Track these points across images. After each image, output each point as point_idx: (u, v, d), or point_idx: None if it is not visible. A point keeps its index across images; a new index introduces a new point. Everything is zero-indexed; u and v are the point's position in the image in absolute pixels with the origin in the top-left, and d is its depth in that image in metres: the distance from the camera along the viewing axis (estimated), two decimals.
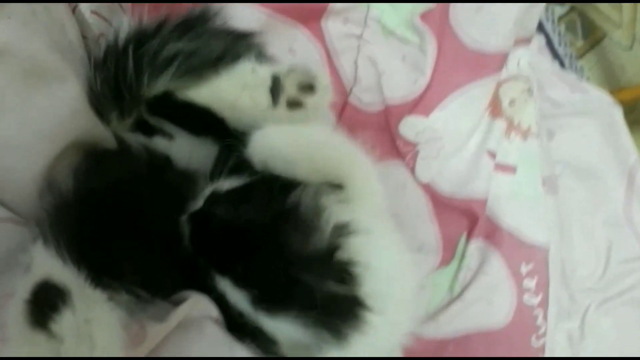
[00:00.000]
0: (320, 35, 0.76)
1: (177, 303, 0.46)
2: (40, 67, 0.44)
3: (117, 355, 0.38)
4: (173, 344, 0.43)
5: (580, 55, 1.73)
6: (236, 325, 0.47)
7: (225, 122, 0.54)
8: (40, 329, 0.35)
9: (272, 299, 0.44)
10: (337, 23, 0.76)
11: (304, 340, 0.46)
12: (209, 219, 0.46)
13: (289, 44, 0.74)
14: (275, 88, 0.52)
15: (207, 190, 0.48)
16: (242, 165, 0.50)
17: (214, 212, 0.46)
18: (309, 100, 0.53)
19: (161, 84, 0.52)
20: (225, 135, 0.52)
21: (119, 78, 0.50)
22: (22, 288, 0.36)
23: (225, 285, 0.46)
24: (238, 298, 0.46)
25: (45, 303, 0.36)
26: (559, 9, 1.63)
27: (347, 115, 0.79)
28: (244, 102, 0.53)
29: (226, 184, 0.48)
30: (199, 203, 0.47)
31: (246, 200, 0.46)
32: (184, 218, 0.47)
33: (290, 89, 0.53)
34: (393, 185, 0.79)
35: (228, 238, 0.45)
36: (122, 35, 0.51)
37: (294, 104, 0.53)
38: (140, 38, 0.51)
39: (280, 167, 0.48)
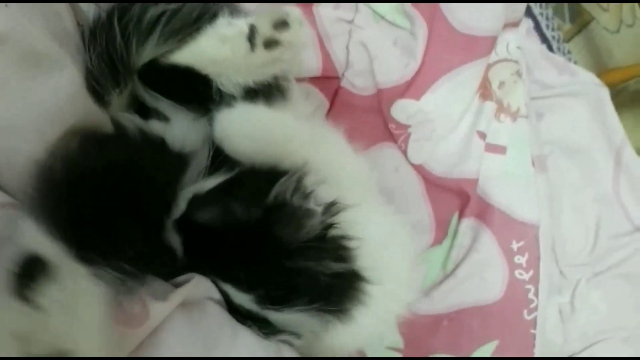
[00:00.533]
0: (312, 20, 0.77)
1: (179, 285, 0.47)
2: (39, 54, 0.45)
3: (101, 329, 0.39)
4: (176, 323, 0.44)
5: (568, 39, 1.74)
6: (240, 313, 0.48)
7: (208, 81, 0.55)
8: (25, 301, 0.35)
9: (277, 296, 0.46)
10: (328, 8, 0.77)
11: (309, 325, 0.48)
12: (197, 227, 0.45)
13: None
14: (252, 33, 0.54)
15: (188, 193, 0.48)
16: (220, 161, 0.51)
17: (201, 218, 0.45)
18: (284, 36, 0.54)
19: (149, 51, 0.54)
20: (209, 100, 0.54)
21: (110, 50, 0.52)
22: (8, 261, 0.37)
23: (228, 288, 0.47)
24: (243, 300, 0.47)
25: (31, 275, 0.37)
26: None
27: (340, 99, 0.81)
28: (225, 54, 0.54)
29: (207, 183, 0.48)
30: (180, 206, 0.47)
31: (232, 198, 0.46)
32: (169, 223, 0.47)
33: (264, 30, 0.54)
34: (386, 168, 0.81)
35: (222, 244, 0.45)
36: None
37: (270, 43, 0.54)
38: (122, 8, 0.53)
39: (245, 149, 0.50)
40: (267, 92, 0.58)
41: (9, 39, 0.44)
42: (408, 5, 0.75)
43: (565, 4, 1.76)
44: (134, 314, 0.42)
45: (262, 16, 0.55)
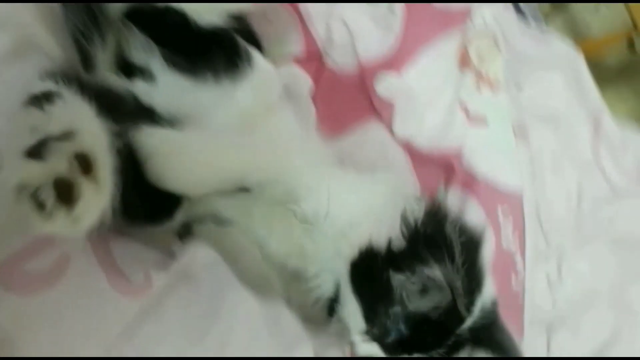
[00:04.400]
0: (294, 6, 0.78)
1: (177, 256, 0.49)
2: (29, 38, 0.45)
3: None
4: (177, 291, 0.46)
5: (547, 18, 1.77)
6: None
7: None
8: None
9: None
10: None
11: None
12: None
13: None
14: None
15: None
16: None
17: None
18: None
19: None
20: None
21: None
22: None
23: None
24: None
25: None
26: None
27: (324, 79, 0.81)
28: None
29: None
30: None
31: None
32: None
33: None
34: (373, 145, 0.82)
35: None
36: None
37: None
38: None
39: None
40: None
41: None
42: None
43: None
44: (138, 283, 0.44)
45: None
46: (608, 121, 0.92)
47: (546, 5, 1.73)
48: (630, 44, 1.72)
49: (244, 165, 0.53)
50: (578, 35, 1.59)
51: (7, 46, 0.44)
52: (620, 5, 1.34)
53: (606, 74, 1.87)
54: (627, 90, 1.69)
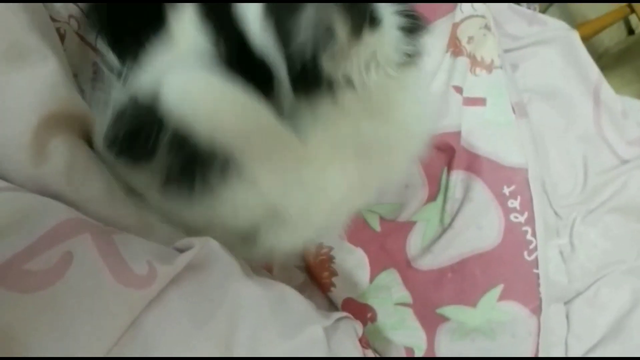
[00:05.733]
0: None
1: (183, 250, 0.49)
2: (22, 46, 0.47)
3: None
4: (182, 283, 0.46)
5: (544, 9, 1.78)
6: None
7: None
8: None
9: None
10: None
11: None
12: None
13: None
14: None
15: None
16: None
17: None
18: None
19: None
20: None
21: None
22: None
23: None
24: None
25: None
26: None
27: None
28: None
29: None
30: None
31: None
32: None
33: None
34: None
35: None
36: None
37: None
38: None
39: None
40: None
41: None
42: None
43: None
44: (142, 275, 0.44)
45: None
46: (607, 92, 0.91)
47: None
48: (630, 31, 1.72)
49: None
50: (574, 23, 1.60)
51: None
52: None
53: (608, 61, 1.88)
54: (630, 73, 1.70)
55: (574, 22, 1.72)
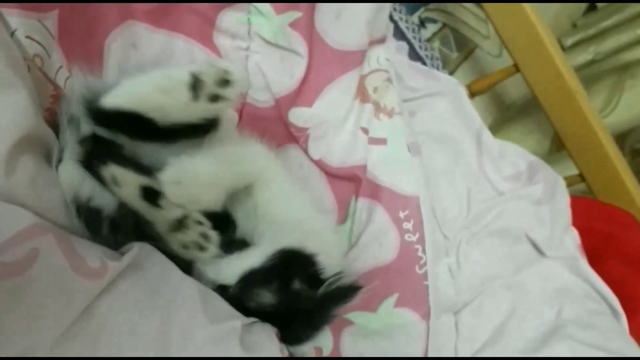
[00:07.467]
0: (217, 51, 0.93)
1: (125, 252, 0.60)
2: (1, 77, 0.56)
3: None
4: (128, 275, 0.57)
5: (456, 67, 1.98)
6: None
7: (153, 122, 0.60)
8: None
9: None
10: (227, 40, 0.93)
11: None
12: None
13: (191, 61, 0.90)
14: (196, 85, 0.58)
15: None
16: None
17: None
18: (227, 93, 0.60)
19: None
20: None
21: None
22: None
23: None
24: None
25: None
26: (432, 26, 1.89)
27: (246, 113, 0.96)
28: (167, 102, 0.59)
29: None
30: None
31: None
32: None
33: (209, 86, 0.59)
34: (293, 165, 0.97)
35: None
36: None
37: (214, 98, 0.59)
38: None
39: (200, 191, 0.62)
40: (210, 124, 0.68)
41: None
42: (287, 28, 0.91)
43: (451, 35, 2.01)
44: (96, 268, 0.54)
45: (205, 73, 0.59)
46: (487, 136, 1.11)
47: (454, 54, 1.96)
48: None
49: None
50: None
51: None
52: None
53: (513, 112, 2.10)
54: (532, 124, 1.90)
55: (482, 74, 1.92)
